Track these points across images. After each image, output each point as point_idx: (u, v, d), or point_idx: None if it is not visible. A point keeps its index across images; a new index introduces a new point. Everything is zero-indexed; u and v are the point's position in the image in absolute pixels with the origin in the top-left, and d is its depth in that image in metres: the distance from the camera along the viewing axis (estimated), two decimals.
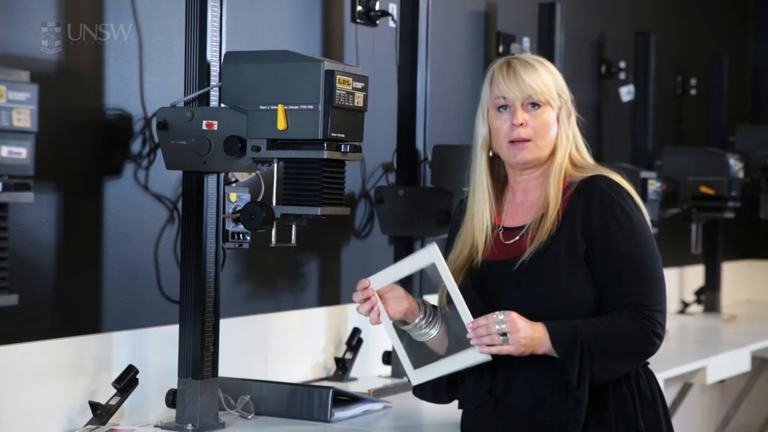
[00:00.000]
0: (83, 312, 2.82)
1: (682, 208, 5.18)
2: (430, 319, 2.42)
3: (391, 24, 3.86)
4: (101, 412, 2.70)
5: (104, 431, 2.65)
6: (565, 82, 2.47)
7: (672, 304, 5.75)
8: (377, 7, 3.80)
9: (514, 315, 2.29)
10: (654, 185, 4.49)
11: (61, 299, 2.76)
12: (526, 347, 2.29)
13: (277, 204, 2.63)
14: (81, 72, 2.81)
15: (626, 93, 5.57)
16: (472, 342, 2.30)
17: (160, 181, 2.98)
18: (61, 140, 2.75)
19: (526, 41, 4.70)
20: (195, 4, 2.71)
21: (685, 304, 5.80)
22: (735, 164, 5.14)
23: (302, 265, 3.57)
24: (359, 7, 3.76)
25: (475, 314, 2.31)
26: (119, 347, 2.88)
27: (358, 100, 2.57)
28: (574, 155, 2.45)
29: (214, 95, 2.72)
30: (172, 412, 2.79)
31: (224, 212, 2.79)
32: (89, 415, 2.71)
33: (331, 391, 2.93)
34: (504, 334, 2.28)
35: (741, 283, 6.70)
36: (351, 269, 3.73)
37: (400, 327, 2.43)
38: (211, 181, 2.73)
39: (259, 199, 2.81)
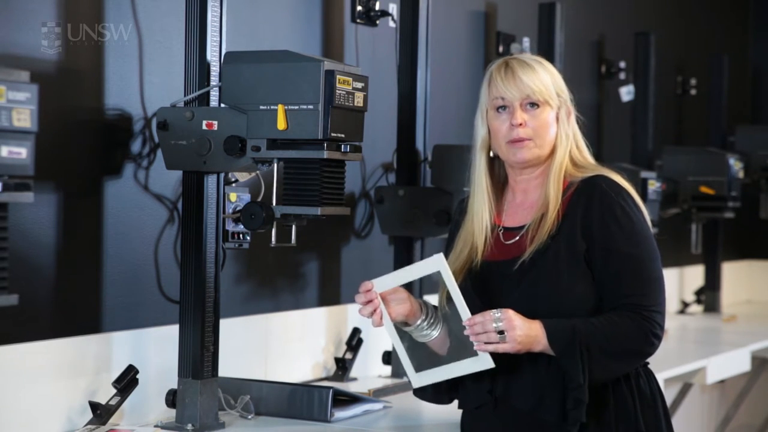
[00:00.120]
0: (83, 312, 2.82)
1: (682, 208, 5.18)
2: (431, 320, 2.42)
3: (391, 24, 3.86)
4: (101, 412, 2.70)
5: (104, 431, 2.65)
6: (564, 82, 2.47)
7: (672, 304, 5.75)
8: (377, 7, 3.80)
9: (510, 313, 2.29)
10: (654, 185, 4.49)
11: (61, 299, 2.76)
12: (523, 345, 2.29)
13: (277, 204, 2.63)
14: (81, 72, 2.81)
15: (626, 93, 5.57)
16: (470, 339, 2.30)
17: (160, 181, 2.98)
18: (61, 140, 2.75)
19: (526, 41, 4.70)
20: (195, 4, 2.71)
21: (685, 304, 5.80)
22: (735, 164, 5.14)
23: (302, 265, 3.57)
24: (359, 7, 3.76)
25: (475, 314, 2.31)
26: (119, 347, 2.88)
27: (358, 100, 2.57)
28: (575, 154, 2.45)
29: (214, 95, 2.72)
30: (172, 412, 2.79)
31: (224, 212, 2.79)
32: (89, 415, 2.71)
33: (331, 391, 2.93)
34: (501, 332, 2.28)
35: (741, 283, 6.70)
36: (351, 269, 3.73)
37: (401, 328, 2.43)
38: (211, 181, 2.73)
39: (259, 199, 2.81)
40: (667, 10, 6.21)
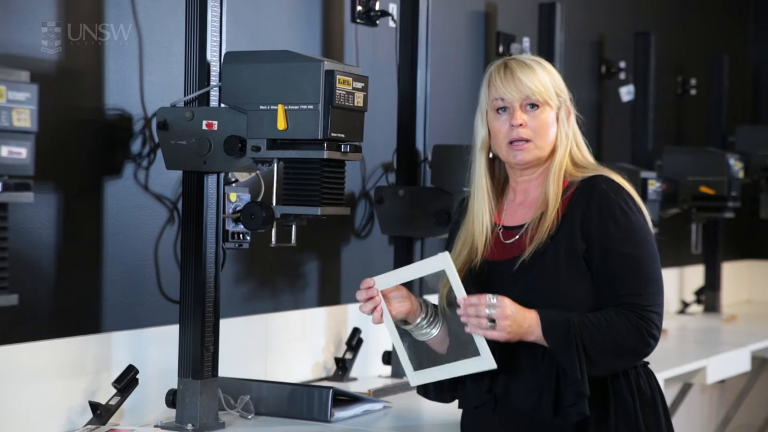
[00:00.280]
0: (83, 312, 2.82)
1: (682, 208, 5.18)
2: (431, 318, 2.42)
3: (391, 24, 3.86)
4: (101, 412, 2.70)
5: (104, 431, 2.65)
6: (563, 82, 2.47)
7: (672, 304, 5.75)
8: (377, 7, 3.80)
9: (506, 301, 2.29)
10: (654, 185, 4.49)
11: (61, 299, 2.76)
12: (513, 335, 2.29)
13: (277, 204, 2.63)
14: (81, 72, 2.81)
15: (626, 93, 5.57)
16: (462, 319, 2.30)
17: (160, 181, 2.98)
18: (61, 140, 2.75)
19: (526, 41, 4.70)
20: (195, 4, 2.71)
21: (685, 304, 5.80)
22: (735, 164, 5.14)
23: (302, 265, 3.57)
24: (359, 7, 3.76)
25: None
26: (119, 347, 2.88)
27: (358, 100, 2.57)
28: (575, 154, 2.45)
29: (214, 95, 2.72)
30: (172, 412, 2.79)
31: (224, 212, 2.79)
32: (89, 415, 2.71)
33: (331, 391, 2.93)
34: (493, 320, 2.28)
35: (741, 283, 6.70)
36: (351, 269, 3.73)
37: (401, 326, 2.43)
38: (211, 181, 2.73)
39: (259, 199, 2.81)
40: (667, 10, 6.21)
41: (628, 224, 2.36)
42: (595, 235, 2.35)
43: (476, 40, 4.47)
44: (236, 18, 3.13)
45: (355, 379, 3.56)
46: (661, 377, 2.95)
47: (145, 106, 2.94)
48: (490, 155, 2.48)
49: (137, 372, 2.77)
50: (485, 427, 2.44)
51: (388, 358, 3.65)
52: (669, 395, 4.54)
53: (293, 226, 2.68)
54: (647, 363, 2.46)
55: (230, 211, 2.81)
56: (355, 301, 2.43)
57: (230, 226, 2.81)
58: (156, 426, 2.77)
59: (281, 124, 2.53)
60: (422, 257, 3.55)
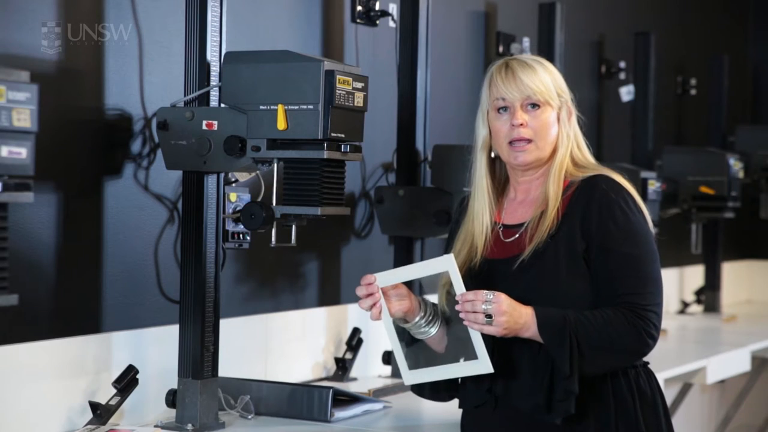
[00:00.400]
0: (83, 312, 2.82)
1: (682, 208, 5.18)
2: (430, 318, 2.42)
3: (391, 24, 3.86)
4: (101, 412, 2.70)
5: (104, 431, 2.65)
6: (564, 82, 2.47)
7: (672, 304, 5.75)
8: (377, 7, 3.80)
9: (502, 297, 2.29)
10: (654, 185, 4.49)
11: (61, 299, 2.76)
12: (509, 331, 2.29)
13: (277, 204, 2.63)
14: (81, 72, 2.81)
15: (626, 93, 5.57)
16: (459, 315, 2.30)
17: (160, 181, 2.98)
18: (61, 140, 2.75)
19: (526, 41, 4.70)
20: (195, 4, 2.71)
21: (685, 304, 5.80)
22: (735, 164, 5.14)
23: (302, 265, 3.57)
24: (359, 7, 3.76)
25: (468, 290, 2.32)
26: (119, 347, 2.88)
27: (358, 100, 2.57)
28: (576, 154, 2.45)
29: (214, 95, 2.72)
30: (172, 412, 2.79)
31: (224, 212, 2.79)
32: (89, 415, 2.71)
33: (331, 391, 2.93)
34: (489, 316, 2.28)
35: (741, 283, 6.70)
36: (351, 269, 3.73)
37: (399, 325, 2.43)
38: (211, 181, 2.73)
39: (259, 199, 2.81)
40: (667, 10, 6.21)
41: (628, 224, 2.36)
42: (595, 235, 2.35)
43: (476, 40, 4.47)
44: (236, 18, 3.13)
45: (355, 379, 3.56)
46: (661, 377, 2.95)
47: (145, 106, 2.94)
48: (492, 155, 2.48)
49: (137, 372, 2.77)
50: (485, 426, 2.44)
51: (388, 358, 3.65)
52: (669, 395, 4.54)
53: (293, 226, 2.68)
54: (647, 363, 2.46)
55: (230, 211, 2.81)
56: (355, 301, 2.43)
57: (230, 226, 2.81)
58: (156, 426, 2.77)
59: (281, 124, 2.52)
60: (422, 257, 3.55)
